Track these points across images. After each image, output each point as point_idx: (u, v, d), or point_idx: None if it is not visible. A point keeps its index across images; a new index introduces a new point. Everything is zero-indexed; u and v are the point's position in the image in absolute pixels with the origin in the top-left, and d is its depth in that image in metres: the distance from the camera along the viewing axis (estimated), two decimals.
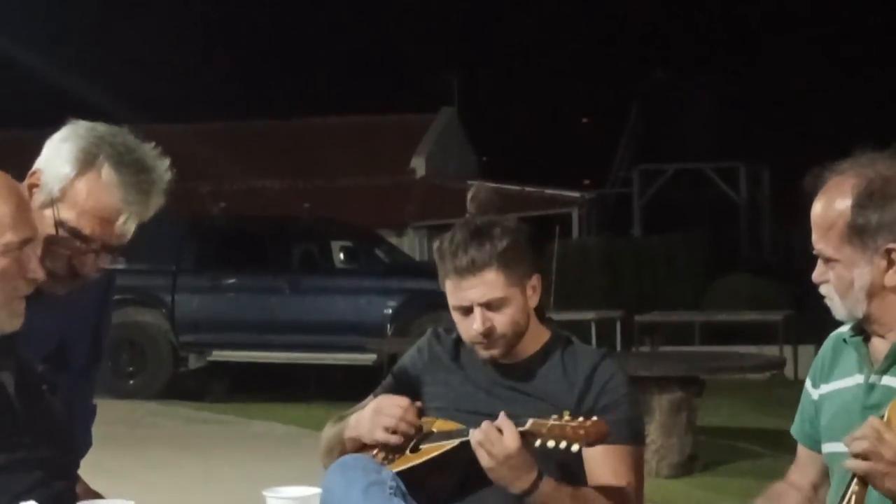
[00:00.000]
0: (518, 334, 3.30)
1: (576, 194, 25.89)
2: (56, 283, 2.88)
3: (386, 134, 26.27)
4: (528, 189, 20.62)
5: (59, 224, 2.84)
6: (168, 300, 14.67)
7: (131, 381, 14.14)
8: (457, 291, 3.27)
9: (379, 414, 3.27)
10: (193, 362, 15.00)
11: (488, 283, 3.24)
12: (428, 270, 16.49)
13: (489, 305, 3.25)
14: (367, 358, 13.38)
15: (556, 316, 13.16)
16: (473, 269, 3.23)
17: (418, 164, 25.79)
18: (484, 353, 3.32)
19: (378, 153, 25.49)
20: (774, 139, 29.00)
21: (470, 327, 3.28)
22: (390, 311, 14.12)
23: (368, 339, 13.09)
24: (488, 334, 3.26)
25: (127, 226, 2.98)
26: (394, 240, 20.10)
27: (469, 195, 10.60)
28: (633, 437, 3.27)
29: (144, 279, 14.42)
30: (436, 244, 3.36)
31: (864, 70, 33.91)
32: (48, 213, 2.83)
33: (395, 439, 3.23)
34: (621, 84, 34.96)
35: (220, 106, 28.46)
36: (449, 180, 24.45)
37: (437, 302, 13.80)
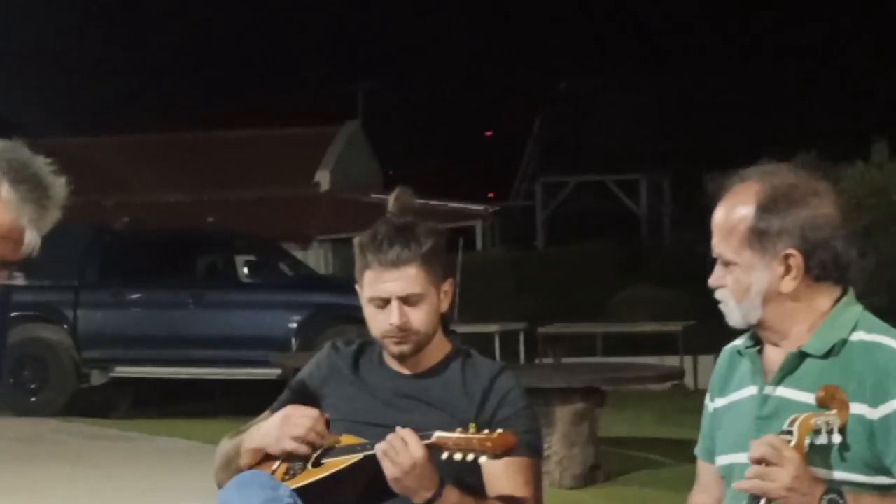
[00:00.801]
0: (429, 335, 3.35)
1: (479, 207, 25.97)
2: None
3: (290, 147, 26.15)
4: (432, 202, 20.65)
5: None
6: (70, 315, 14.52)
7: (33, 399, 13.98)
8: (376, 283, 3.30)
9: (287, 423, 3.27)
10: (96, 378, 14.84)
11: (409, 278, 3.28)
12: (333, 284, 16.50)
13: (407, 300, 3.29)
14: (272, 372, 13.33)
15: (461, 328, 13.25)
16: (398, 262, 3.27)
17: (323, 177, 25.71)
18: (395, 349, 3.35)
19: (282, 166, 25.37)
20: (675, 149, 29.27)
21: (385, 321, 3.31)
22: (295, 325, 14.09)
23: (273, 354, 13.05)
24: (404, 328, 3.30)
25: (26, 243, 2.93)
26: (298, 253, 20.03)
27: (392, 196, 10.65)
28: (531, 450, 3.31)
29: (46, 294, 14.26)
30: (357, 239, 3.37)
31: (767, 79, 34.36)
32: None
33: (303, 449, 3.23)
34: (524, 97, 35.17)
35: (123, 119, 28.22)
36: (354, 193, 24.41)
37: (342, 315, 13.79)
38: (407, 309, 3.30)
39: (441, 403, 3.34)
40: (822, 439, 2.64)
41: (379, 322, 3.34)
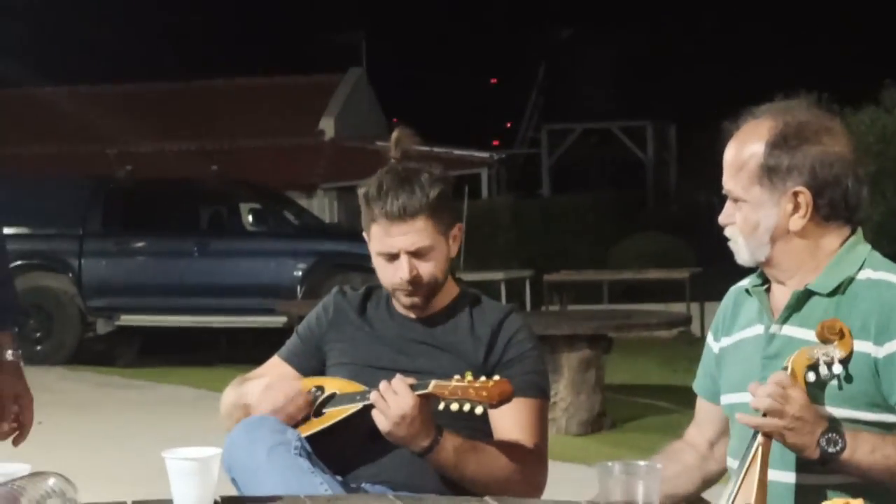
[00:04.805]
0: (440, 284, 3.31)
1: (485, 155, 25.90)
2: None
3: (294, 95, 26.08)
4: (436, 150, 20.59)
5: None
6: (75, 264, 14.51)
7: (38, 347, 14.00)
8: (384, 238, 3.25)
9: (267, 393, 3.24)
10: (102, 327, 14.88)
11: (418, 231, 3.23)
12: (338, 232, 16.51)
13: (417, 253, 3.24)
14: (278, 320, 13.35)
15: (466, 276, 13.23)
16: (404, 215, 3.21)
17: (327, 125, 25.65)
18: (405, 300, 3.31)
19: (286, 114, 25.30)
20: (681, 96, 29.17)
21: (394, 274, 3.27)
22: (300, 273, 14.07)
23: (278, 302, 13.05)
24: (414, 282, 3.26)
25: None
26: (303, 202, 20.01)
27: (392, 138, 10.63)
28: (537, 391, 3.28)
29: (51, 243, 14.30)
30: (360, 189, 3.31)
31: (777, 23, 34.17)
32: None
33: (281, 418, 3.18)
34: (529, 44, 35.01)
35: (125, 68, 28.10)
36: (358, 141, 24.35)
37: (347, 263, 13.82)
38: (416, 262, 3.26)
39: (449, 346, 3.31)
40: (823, 371, 2.63)
41: (388, 275, 3.30)
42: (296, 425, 3.19)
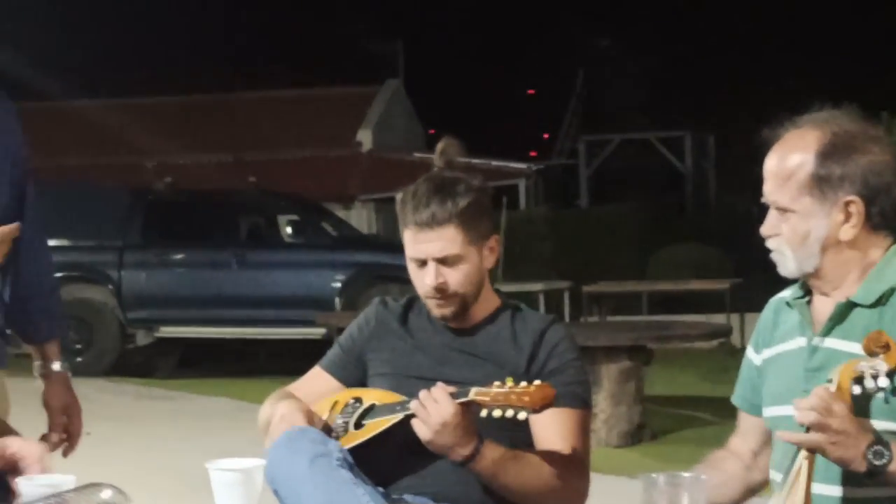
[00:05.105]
0: (472, 294, 3.29)
1: (522, 166, 25.89)
2: None
3: (331, 106, 26.15)
4: (474, 161, 20.58)
5: None
6: (115, 276, 14.57)
7: (79, 359, 14.05)
8: (414, 243, 3.26)
9: (283, 424, 3.20)
10: (141, 338, 14.92)
11: (446, 239, 3.22)
12: (376, 243, 16.52)
13: (444, 261, 3.24)
14: (316, 332, 13.36)
15: (504, 287, 13.19)
16: (433, 223, 3.21)
17: (364, 137, 25.70)
18: (437, 311, 3.31)
19: (323, 126, 25.38)
20: (720, 106, 29.08)
21: (423, 281, 3.27)
22: (339, 284, 14.09)
23: (317, 313, 13.07)
24: (441, 290, 3.25)
25: None
26: (341, 213, 20.03)
27: (438, 148, 10.71)
28: (580, 401, 3.26)
29: (91, 255, 14.37)
30: (399, 195, 3.31)
31: (812, 34, 34.03)
32: None
33: None
34: (566, 54, 34.98)
35: (164, 81, 28.22)
36: (396, 152, 24.39)
37: (386, 275, 13.80)
38: (444, 269, 3.25)
39: (491, 356, 3.30)
40: (868, 384, 2.59)
41: (419, 282, 3.31)
42: (336, 439, 3.18)
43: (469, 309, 3.32)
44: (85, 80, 27.05)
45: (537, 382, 2.95)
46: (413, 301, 3.46)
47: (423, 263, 3.26)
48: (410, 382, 3.23)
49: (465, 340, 3.34)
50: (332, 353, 3.50)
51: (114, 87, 26.84)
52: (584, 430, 3.26)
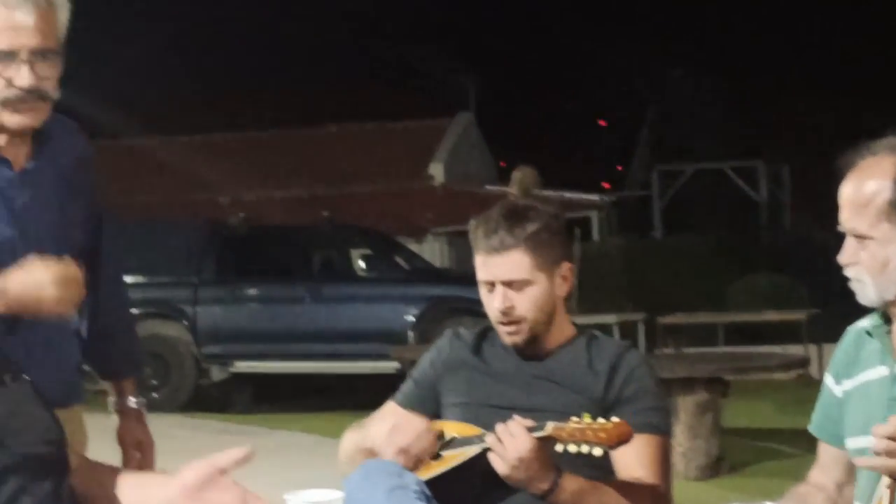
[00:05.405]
0: (542, 322, 3.29)
1: (595, 198, 25.84)
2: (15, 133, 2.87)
3: (403, 140, 26.24)
4: (546, 193, 20.53)
5: None
6: (190, 312, 14.66)
7: (155, 395, 14.11)
8: (483, 266, 3.28)
9: (394, 434, 3.22)
10: (217, 374, 15.00)
11: (513, 263, 3.23)
12: (449, 277, 16.49)
13: (511, 284, 3.24)
14: (390, 366, 13.35)
15: (579, 319, 13.10)
16: (501, 248, 3.23)
17: (436, 170, 25.75)
18: (508, 339, 3.31)
19: (396, 159, 25.47)
20: (795, 136, 28.86)
21: (492, 304, 3.28)
22: (412, 318, 14.09)
23: (390, 347, 13.06)
24: (508, 313, 3.25)
25: (49, 19, 2.87)
26: (414, 246, 20.05)
27: (516, 175, 10.83)
28: (659, 426, 3.24)
29: (165, 291, 14.47)
30: (472, 221, 3.34)
31: (886, 61, 33.72)
32: None
33: (406, 461, 3.16)
34: (638, 84, 34.90)
35: (237, 116, 28.48)
36: (468, 185, 24.41)
37: (459, 308, 13.75)
38: (512, 294, 3.25)
39: (566, 382, 3.28)
40: None
41: (489, 306, 3.32)
42: (414, 469, 3.18)
43: (540, 336, 3.31)
44: (158, 119, 27.32)
45: (615, 419, 2.94)
46: (486, 331, 3.45)
47: (492, 287, 3.27)
48: (486, 411, 3.23)
49: (541, 366, 3.33)
50: (406, 387, 3.50)
51: (187, 125, 27.09)
52: (664, 456, 3.25)
